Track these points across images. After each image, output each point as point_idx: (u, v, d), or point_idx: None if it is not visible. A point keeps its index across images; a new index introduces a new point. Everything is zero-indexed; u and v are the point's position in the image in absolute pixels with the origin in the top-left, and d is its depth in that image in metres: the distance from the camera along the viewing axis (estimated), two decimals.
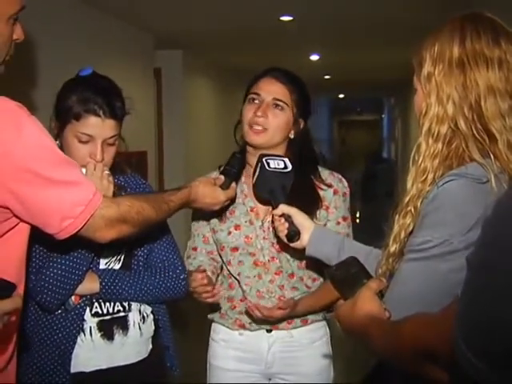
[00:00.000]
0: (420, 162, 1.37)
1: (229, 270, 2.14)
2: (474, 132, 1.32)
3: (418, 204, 1.35)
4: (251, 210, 2.12)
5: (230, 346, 2.18)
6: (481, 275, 0.86)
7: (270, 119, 2.06)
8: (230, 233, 2.11)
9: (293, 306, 2.02)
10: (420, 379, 1.13)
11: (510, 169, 1.31)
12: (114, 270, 1.96)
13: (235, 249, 2.11)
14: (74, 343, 1.89)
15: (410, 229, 1.37)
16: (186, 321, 4.87)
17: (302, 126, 2.14)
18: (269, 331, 2.14)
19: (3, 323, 1.28)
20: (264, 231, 2.09)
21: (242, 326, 2.14)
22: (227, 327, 2.17)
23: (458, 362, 0.88)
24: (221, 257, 2.16)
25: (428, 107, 1.38)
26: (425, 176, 1.35)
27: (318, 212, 2.10)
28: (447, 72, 1.35)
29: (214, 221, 2.14)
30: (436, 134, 1.36)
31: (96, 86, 1.89)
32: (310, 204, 2.08)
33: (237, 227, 2.11)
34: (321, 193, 2.12)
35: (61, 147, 1.89)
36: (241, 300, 2.14)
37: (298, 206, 1.88)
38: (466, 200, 1.26)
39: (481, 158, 1.30)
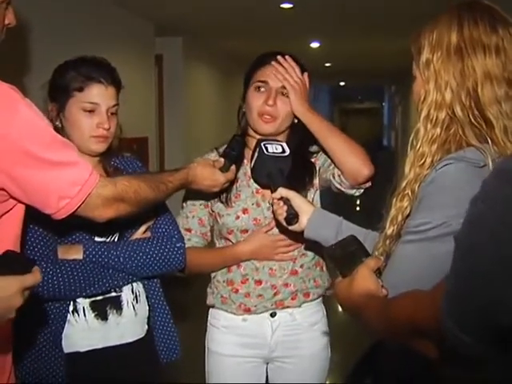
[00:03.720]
0: (418, 146, 1.39)
1: None
2: (471, 118, 1.34)
3: (416, 188, 1.37)
4: (257, 192, 2.14)
5: (232, 332, 2.19)
6: (465, 253, 0.88)
7: (279, 107, 2.08)
8: (238, 217, 2.12)
9: None
10: (412, 357, 1.16)
11: (506, 154, 1.32)
12: (102, 241, 1.95)
13: (245, 231, 2.12)
14: (64, 322, 1.89)
15: (407, 212, 1.39)
16: (183, 307, 4.89)
17: None
18: (272, 315, 2.17)
19: (24, 298, 1.30)
20: (272, 212, 2.08)
21: (247, 310, 2.15)
22: (230, 313, 2.17)
23: (444, 335, 0.91)
24: (228, 239, 2.17)
25: (426, 93, 1.40)
26: (423, 160, 1.37)
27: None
28: (445, 59, 1.36)
29: (219, 205, 2.15)
30: (434, 119, 1.38)
31: (92, 59, 1.94)
32: (308, 177, 2.14)
33: (245, 211, 2.12)
34: (316, 163, 2.17)
35: (61, 128, 1.91)
36: (242, 282, 2.15)
37: (297, 181, 1.97)
38: (464, 183, 1.27)
39: (478, 143, 1.32)
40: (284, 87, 2.08)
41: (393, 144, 17.53)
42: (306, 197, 2.09)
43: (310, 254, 2.18)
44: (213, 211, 2.18)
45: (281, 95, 2.08)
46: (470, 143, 1.33)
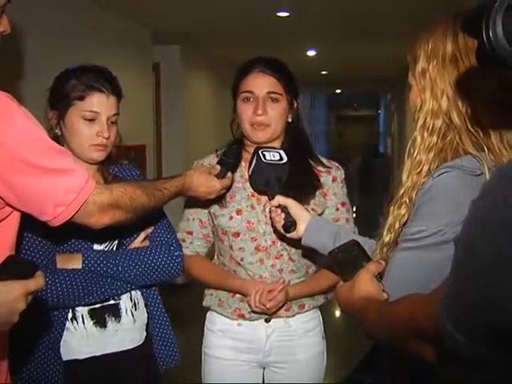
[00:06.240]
0: (415, 154, 1.40)
1: (231, 255, 2.17)
2: (468, 126, 1.35)
3: (413, 195, 1.38)
4: (252, 195, 2.14)
5: (227, 336, 2.21)
6: (463, 254, 0.89)
7: (269, 114, 2.09)
8: (231, 218, 2.13)
9: (284, 293, 2.09)
10: (411, 358, 1.17)
11: (502, 162, 1.33)
12: (101, 250, 1.96)
13: (237, 234, 2.13)
14: (63, 330, 1.89)
15: (405, 219, 1.40)
16: (181, 313, 4.89)
17: (295, 107, 2.18)
18: (267, 321, 2.17)
19: (27, 302, 1.31)
20: (266, 216, 2.11)
21: (242, 316, 2.17)
22: (226, 316, 2.19)
23: (441, 336, 0.92)
24: (222, 241, 2.18)
25: (423, 102, 1.41)
26: (420, 168, 1.38)
27: (316, 198, 2.14)
28: (441, 68, 1.37)
29: (215, 206, 2.16)
30: (431, 127, 1.39)
31: (93, 68, 1.94)
32: (309, 185, 2.13)
33: (238, 212, 2.13)
34: (320, 178, 2.17)
35: (61, 136, 1.92)
36: None
37: (297, 189, 1.96)
38: (460, 191, 1.28)
39: (475, 151, 1.33)
40: (271, 92, 2.09)
41: (389, 151, 17.52)
42: (313, 195, 2.12)
43: (299, 271, 2.19)
44: (210, 212, 2.19)
45: (269, 101, 2.10)
46: (466, 151, 1.34)
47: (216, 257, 2.28)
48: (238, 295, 2.17)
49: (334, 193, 2.18)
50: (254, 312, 2.14)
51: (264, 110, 2.08)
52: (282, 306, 2.14)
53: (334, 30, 6.55)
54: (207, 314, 2.29)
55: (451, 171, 1.30)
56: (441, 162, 1.35)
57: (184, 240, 2.23)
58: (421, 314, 1.06)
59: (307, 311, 2.22)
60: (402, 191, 1.41)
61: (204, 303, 2.27)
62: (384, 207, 1.49)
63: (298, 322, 2.20)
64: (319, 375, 2.27)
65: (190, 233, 2.23)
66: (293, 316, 2.19)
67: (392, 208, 1.44)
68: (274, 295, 2.07)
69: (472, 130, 1.35)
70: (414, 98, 1.46)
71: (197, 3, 5.05)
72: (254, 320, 2.17)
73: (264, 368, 2.25)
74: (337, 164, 2.24)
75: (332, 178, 2.18)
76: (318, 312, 2.29)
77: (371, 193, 13.38)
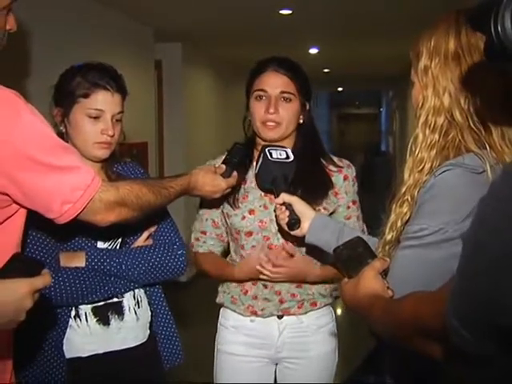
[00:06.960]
0: (417, 152, 1.40)
1: (242, 254, 2.18)
2: (470, 123, 1.35)
3: (415, 193, 1.38)
4: (265, 195, 2.16)
5: (240, 332, 2.23)
6: (469, 251, 0.89)
7: (281, 113, 2.11)
8: (244, 217, 2.15)
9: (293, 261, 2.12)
10: (415, 356, 1.17)
11: (504, 159, 1.33)
12: (104, 248, 1.96)
13: (249, 233, 2.15)
14: (66, 327, 1.89)
15: (407, 217, 1.40)
16: (184, 311, 4.89)
17: (307, 109, 2.20)
18: (280, 317, 2.19)
19: (34, 300, 1.31)
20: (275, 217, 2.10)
21: (254, 313, 2.19)
22: (238, 313, 2.21)
23: (448, 333, 0.92)
24: (236, 240, 2.20)
25: (425, 99, 1.41)
26: (422, 166, 1.38)
27: (328, 197, 2.15)
28: (443, 65, 1.37)
29: (227, 206, 2.18)
30: (433, 125, 1.39)
31: (98, 66, 1.94)
32: (320, 185, 2.14)
33: (251, 212, 2.15)
34: (331, 178, 2.18)
35: (65, 133, 1.92)
36: (253, 284, 2.19)
37: (308, 188, 1.98)
38: (462, 189, 1.28)
39: (477, 149, 1.33)
40: (284, 92, 2.11)
41: (391, 149, 17.50)
42: (326, 195, 2.13)
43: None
44: (223, 211, 2.21)
45: (281, 101, 2.11)
46: (468, 149, 1.34)
47: (230, 255, 2.30)
48: (250, 293, 2.18)
49: (345, 191, 2.19)
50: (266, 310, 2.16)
51: (276, 108, 2.10)
52: (294, 303, 2.16)
53: (336, 29, 6.55)
54: (220, 311, 2.31)
55: (453, 169, 1.30)
56: (443, 160, 1.35)
57: (198, 239, 2.26)
58: (426, 311, 1.06)
59: (319, 308, 2.23)
60: (403, 189, 1.42)
61: (217, 300, 2.29)
62: (386, 205, 1.49)
63: (310, 319, 2.22)
64: (330, 373, 2.28)
65: (204, 232, 2.26)
66: (305, 313, 2.20)
67: (394, 206, 1.44)
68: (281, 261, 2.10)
69: (474, 127, 1.35)
70: (416, 95, 1.46)
71: (198, 1, 5.05)
72: (266, 317, 2.19)
73: (276, 364, 2.26)
74: (348, 162, 2.26)
75: (343, 177, 2.20)
76: (331, 309, 2.31)
77: (373, 191, 13.34)
